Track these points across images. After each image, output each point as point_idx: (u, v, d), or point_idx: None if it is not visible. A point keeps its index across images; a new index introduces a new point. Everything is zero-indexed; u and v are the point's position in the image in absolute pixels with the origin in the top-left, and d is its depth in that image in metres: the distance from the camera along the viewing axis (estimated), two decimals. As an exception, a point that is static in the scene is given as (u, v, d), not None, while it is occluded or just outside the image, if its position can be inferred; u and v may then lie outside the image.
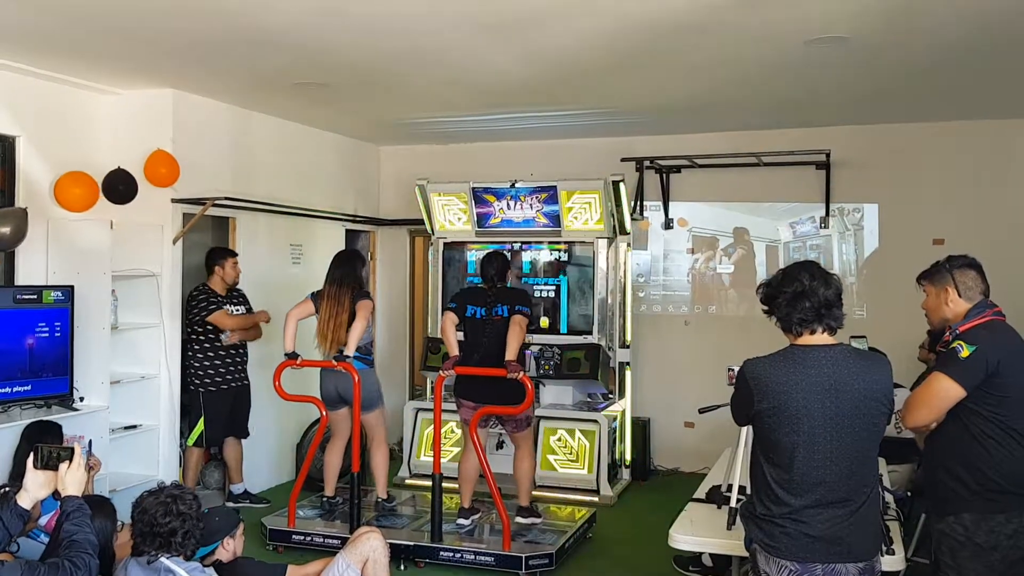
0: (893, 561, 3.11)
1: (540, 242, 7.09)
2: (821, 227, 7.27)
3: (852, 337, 3.37)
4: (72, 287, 5.30)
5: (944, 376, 3.02)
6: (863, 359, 2.77)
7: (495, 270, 5.47)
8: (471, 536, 5.31)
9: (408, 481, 6.85)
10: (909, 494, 4.80)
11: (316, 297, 5.56)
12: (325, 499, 5.78)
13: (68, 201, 5.56)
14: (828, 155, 7.06)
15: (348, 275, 5.55)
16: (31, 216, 5.16)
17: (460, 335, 5.43)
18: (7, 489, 3.79)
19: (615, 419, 6.88)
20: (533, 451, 5.70)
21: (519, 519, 5.43)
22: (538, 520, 5.50)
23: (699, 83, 5.70)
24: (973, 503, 3.03)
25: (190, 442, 6.02)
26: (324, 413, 5.51)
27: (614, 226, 6.89)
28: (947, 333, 3.14)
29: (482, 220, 7.15)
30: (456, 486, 5.63)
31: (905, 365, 6.16)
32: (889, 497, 3.55)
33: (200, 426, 6.00)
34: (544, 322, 6.96)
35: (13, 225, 5.05)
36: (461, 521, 5.44)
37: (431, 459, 5.62)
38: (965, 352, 2.98)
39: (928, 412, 3.09)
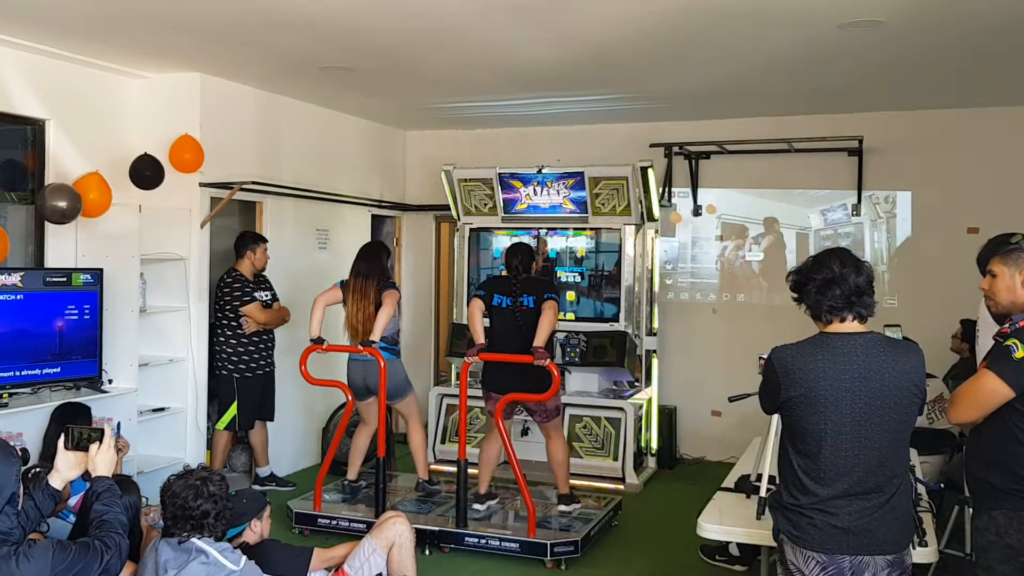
0: (926, 553, 3.06)
1: (567, 228, 7.05)
2: (853, 215, 7.17)
3: (886, 326, 3.32)
4: (101, 270, 5.34)
5: (993, 375, 2.87)
6: (894, 347, 2.71)
7: (519, 261, 5.46)
8: (496, 522, 5.31)
9: (433, 467, 6.84)
10: (942, 485, 4.73)
11: (344, 287, 5.56)
12: (346, 483, 5.80)
13: (85, 209, 5.30)
14: (860, 141, 6.94)
15: (373, 267, 5.55)
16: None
17: (486, 321, 5.42)
18: (39, 470, 3.84)
19: (641, 407, 6.84)
20: (565, 439, 5.68)
21: (561, 507, 5.43)
22: (578, 505, 5.51)
23: (730, 68, 5.62)
24: (1006, 501, 2.94)
25: (221, 426, 6.06)
26: (350, 398, 5.52)
27: (642, 213, 6.83)
28: (1006, 324, 2.96)
29: (508, 206, 7.12)
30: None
31: (937, 355, 6.07)
32: (921, 488, 3.49)
33: (233, 410, 6.03)
34: (571, 316, 6.92)
35: (69, 200, 5.11)
36: (476, 506, 5.44)
37: (456, 445, 5.62)
38: (1020, 353, 2.81)
39: (974, 411, 2.96)
